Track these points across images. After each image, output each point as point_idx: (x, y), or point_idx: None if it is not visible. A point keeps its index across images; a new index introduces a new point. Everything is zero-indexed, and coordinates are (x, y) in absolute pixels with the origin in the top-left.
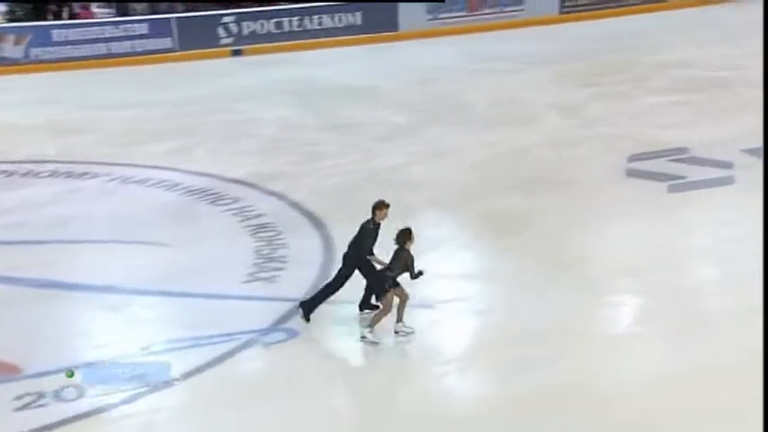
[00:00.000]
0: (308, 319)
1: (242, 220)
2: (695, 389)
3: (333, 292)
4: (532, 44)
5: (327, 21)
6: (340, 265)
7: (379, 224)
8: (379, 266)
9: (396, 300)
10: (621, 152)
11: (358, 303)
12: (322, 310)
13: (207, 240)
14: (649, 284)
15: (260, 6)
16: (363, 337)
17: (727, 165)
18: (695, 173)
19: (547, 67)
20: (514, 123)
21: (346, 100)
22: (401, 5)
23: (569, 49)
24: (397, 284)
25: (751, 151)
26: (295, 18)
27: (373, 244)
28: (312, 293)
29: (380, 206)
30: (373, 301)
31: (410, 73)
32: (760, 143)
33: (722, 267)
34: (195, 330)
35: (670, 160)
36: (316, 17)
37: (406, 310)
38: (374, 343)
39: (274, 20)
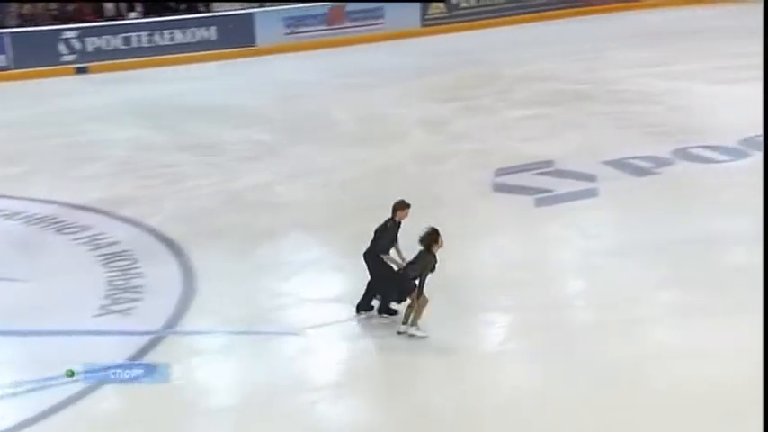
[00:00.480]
0: (376, 311)
1: (92, 249)
2: (562, 405)
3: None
4: (395, 58)
5: (179, 36)
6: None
7: (399, 223)
8: (395, 266)
9: (406, 303)
10: (488, 167)
11: (356, 305)
12: (180, 341)
13: (54, 273)
14: (520, 299)
15: (105, 21)
16: (411, 335)
17: (590, 177)
18: (561, 186)
19: (410, 81)
20: (381, 140)
21: (204, 118)
22: (258, 20)
23: (432, 62)
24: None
25: (611, 163)
26: (144, 33)
27: (391, 244)
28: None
29: (401, 207)
30: (393, 305)
31: (271, 89)
32: (619, 155)
33: (590, 280)
34: (43, 371)
35: (536, 174)
36: (167, 32)
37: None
38: (423, 337)
39: (121, 35)
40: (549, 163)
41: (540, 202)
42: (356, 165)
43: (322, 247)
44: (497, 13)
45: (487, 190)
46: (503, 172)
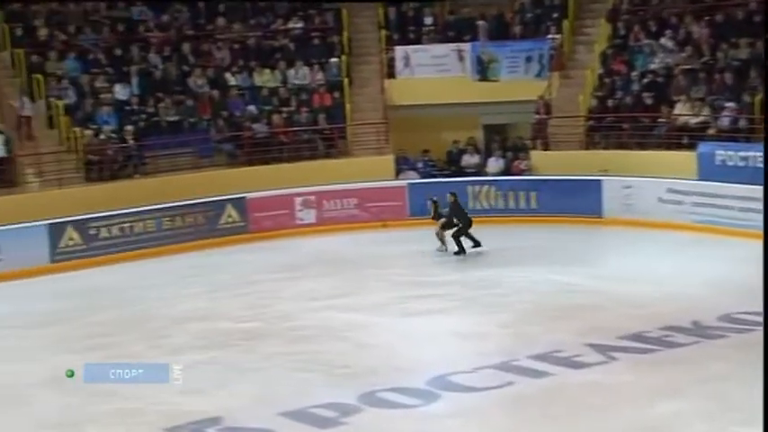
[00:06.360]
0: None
1: None
2: None
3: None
4: (14, 302)
5: None
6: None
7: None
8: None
9: None
10: (147, 430)
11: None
12: None
13: None
14: None
15: None
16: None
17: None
18: None
19: (37, 330)
20: None
21: None
22: None
23: (68, 305)
24: None
25: (290, 415)
26: None
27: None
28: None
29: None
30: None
31: None
32: (299, 405)
33: None
34: None
35: None
36: None
37: None
38: None
39: None
40: (216, 420)
41: None
42: None
43: None
44: (141, 244)
45: None
46: None
